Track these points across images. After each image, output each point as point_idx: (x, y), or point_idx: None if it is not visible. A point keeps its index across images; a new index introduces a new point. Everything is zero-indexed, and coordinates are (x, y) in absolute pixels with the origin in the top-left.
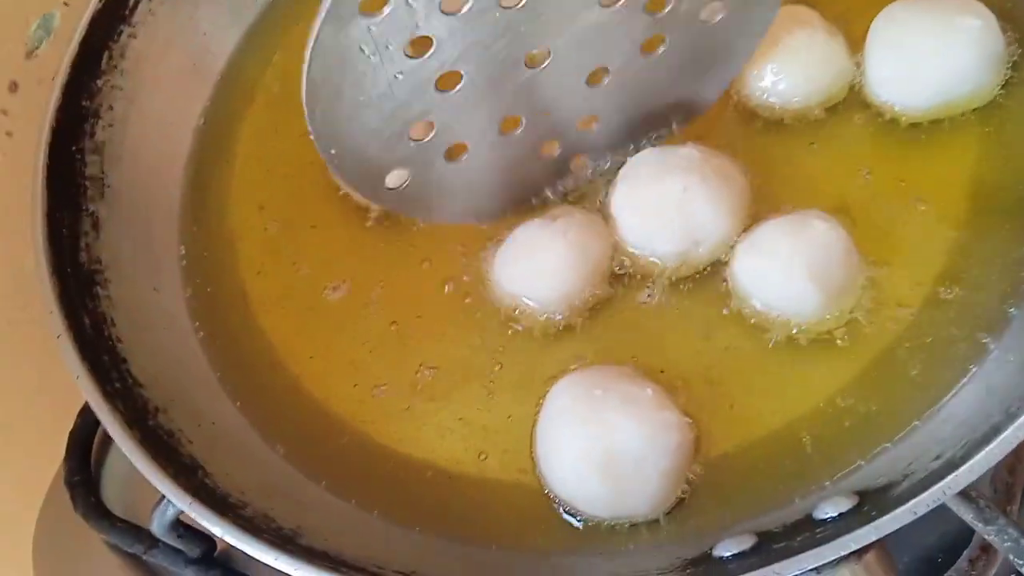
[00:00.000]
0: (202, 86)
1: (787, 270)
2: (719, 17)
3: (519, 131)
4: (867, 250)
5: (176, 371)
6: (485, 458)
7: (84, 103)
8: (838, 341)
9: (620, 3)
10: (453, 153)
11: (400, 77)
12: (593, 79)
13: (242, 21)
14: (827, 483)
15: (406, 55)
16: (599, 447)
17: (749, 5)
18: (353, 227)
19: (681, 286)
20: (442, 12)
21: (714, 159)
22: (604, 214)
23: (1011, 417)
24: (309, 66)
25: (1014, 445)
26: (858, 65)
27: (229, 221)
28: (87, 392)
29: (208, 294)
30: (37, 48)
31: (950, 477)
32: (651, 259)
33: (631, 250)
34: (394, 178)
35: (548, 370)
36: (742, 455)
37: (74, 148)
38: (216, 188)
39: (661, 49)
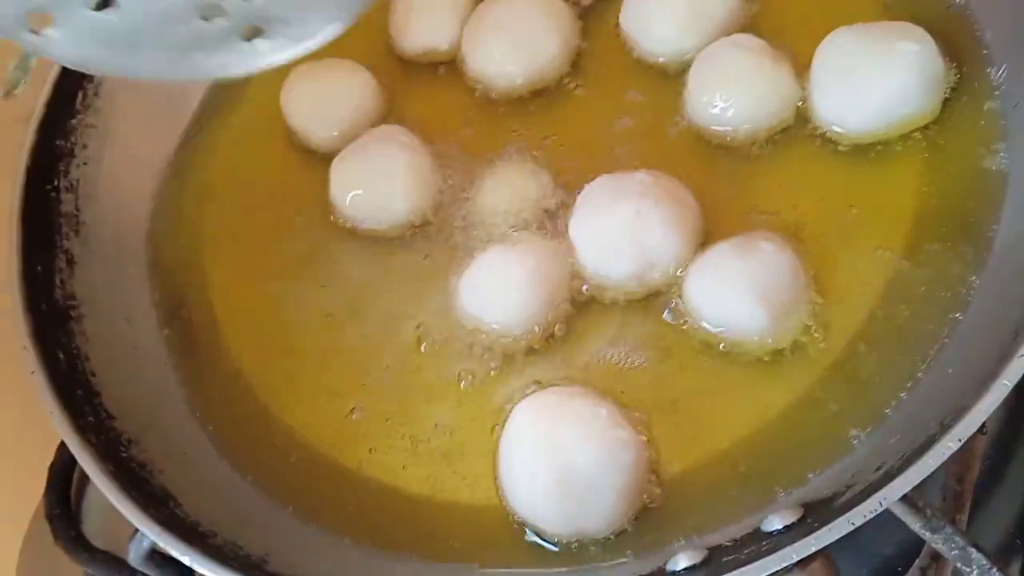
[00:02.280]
0: (176, 121)
1: (736, 292)
2: None
3: None
4: (814, 271)
5: (149, 401)
6: (453, 482)
7: (59, 142)
8: (786, 360)
9: None
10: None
11: None
12: None
13: None
14: (778, 497)
15: None
16: (556, 467)
17: None
18: (324, 258)
19: (638, 307)
20: None
21: (667, 183)
22: (564, 240)
23: (945, 428)
24: None
25: (946, 456)
26: (804, 89)
27: (201, 253)
28: (60, 427)
29: (180, 324)
30: (15, 88)
31: (886, 488)
32: (609, 282)
33: (589, 274)
34: (39, 22)
35: (511, 393)
36: (698, 472)
37: (49, 187)
38: (189, 221)
39: None
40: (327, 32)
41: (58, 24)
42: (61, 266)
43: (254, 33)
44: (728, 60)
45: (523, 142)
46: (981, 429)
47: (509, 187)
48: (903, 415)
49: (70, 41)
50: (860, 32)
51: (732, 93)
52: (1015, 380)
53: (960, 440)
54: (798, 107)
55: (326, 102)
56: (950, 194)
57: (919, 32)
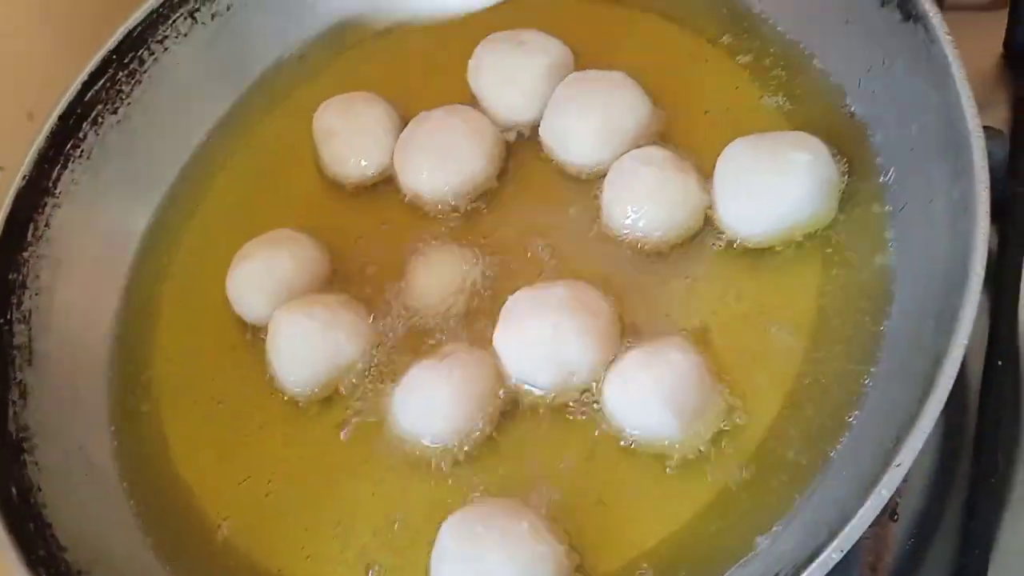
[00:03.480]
0: (126, 246)
1: (645, 400)
2: None
3: None
4: (724, 372)
5: (100, 528)
6: None
7: (11, 275)
8: (702, 460)
9: None
10: None
11: None
12: None
13: (160, 184)
14: None
15: None
16: None
17: None
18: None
19: (562, 413)
20: None
21: (583, 295)
22: (489, 349)
23: (832, 536)
24: None
25: (830, 567)
26: (710, 196)
27: (155, 377)
28: (12, 562)
29: (134, 451)
30: None
31: None
32: (532, 390)
33: (514, 383)
34: None
35: (445, 504)
36: (622, 573)
37: (1, 320)
38: (141, 345)
39: None
40: None
41: None
42: (14, 398)
43: None
44: (637, 173)
45: (451, 251)
46: (892, 516)
47: (438, 288)
48: (801, 520)
49: None
50: (756, 142)
51: (642, 204)
52: (892, 489)
53: (842, 551)
54: (706, 213)
55: (263, 278)
56: (847, 292)
57: (813, 141)
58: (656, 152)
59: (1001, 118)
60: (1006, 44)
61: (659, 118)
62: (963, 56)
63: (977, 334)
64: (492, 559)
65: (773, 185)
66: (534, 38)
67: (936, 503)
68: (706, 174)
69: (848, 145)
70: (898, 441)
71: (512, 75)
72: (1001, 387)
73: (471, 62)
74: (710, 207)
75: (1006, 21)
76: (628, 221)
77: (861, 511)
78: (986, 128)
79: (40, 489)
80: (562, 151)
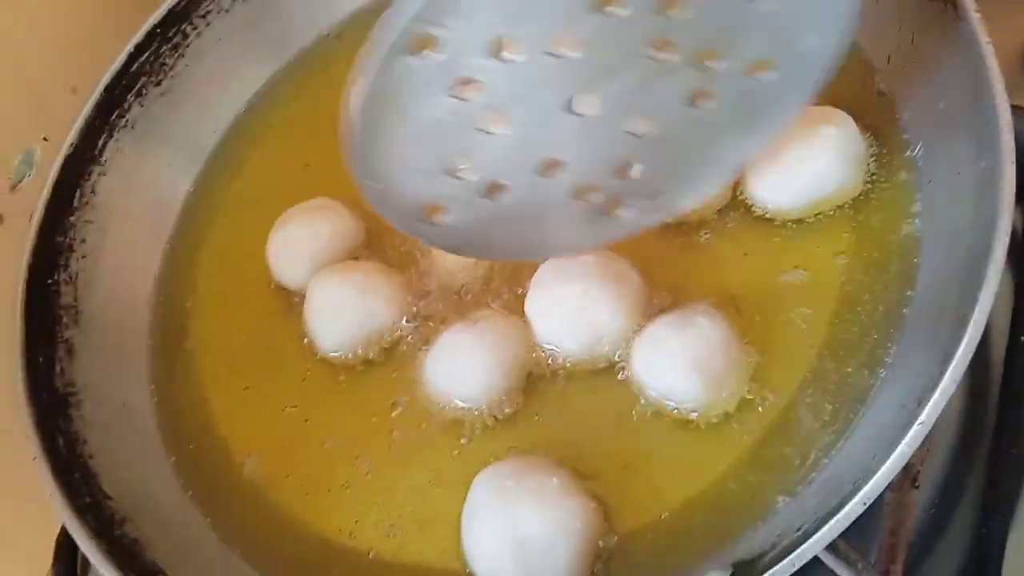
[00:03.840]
0: (168, 213)
1: (674, 364)
2: (767, 73)
3: (559, 174)
4: (750, 339)
5: (143, 481)
6: (425, 549)
7: (59, 239)
8: (727, 424)
9: (671, 57)
10: (492, 191)
11: (444, 116)
12: (635, 128)
13: (201, 154)
14: (717, 555)
15: (452, 96)
16: (511, 536)
17: (797, 63)
18: (309, 354)
19: (590, 377)
20: (489, 56)
21: (611, 263)
22: (521, 316)
23: (855, 491)
24: (356, 102)
25: (854, 518)
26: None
27: (194, 338)
28: (60, 509)
29: (174, 407)
30: (20, 181)
31: (798, 551)
32: (562, 355)
33: (545, 348)
34: (431, 213)
35: (476, 464)
36: (649, 532)
37: (50, 281)
38: (182, 307)
39: (706, 103)
40: (683, 204)
41: (449, 211)
42: (61, 355)
43: (615, 206)
44: None
45: None
46: (913, 483)
47: (465, 263)
48: (824, 479)
49: (457, 226)
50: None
51: None
52: (914, 447)
53: (865, 503)
54: (734, 188)
55: (302, 245)
56: (874, 262)
57: (840, 115)
58: None
59: None
60: None
61: None
62: (993, 37)
63: (1002, 312)
64: (523, 512)
65: (801, 158)
66: None
67: (958, 474)
68: None
69: (876, 120)
70: (921, 402)
71: None
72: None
73: None
74: (738, 183)
75: None
76: None
77: (884, 466)
78: (1013, 107)
79: (86, 442)
80: None
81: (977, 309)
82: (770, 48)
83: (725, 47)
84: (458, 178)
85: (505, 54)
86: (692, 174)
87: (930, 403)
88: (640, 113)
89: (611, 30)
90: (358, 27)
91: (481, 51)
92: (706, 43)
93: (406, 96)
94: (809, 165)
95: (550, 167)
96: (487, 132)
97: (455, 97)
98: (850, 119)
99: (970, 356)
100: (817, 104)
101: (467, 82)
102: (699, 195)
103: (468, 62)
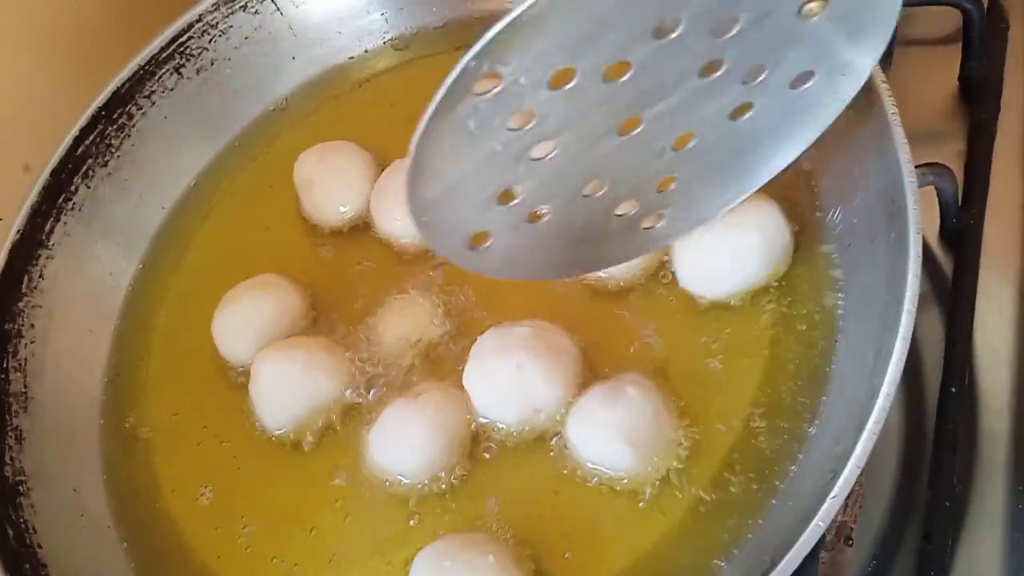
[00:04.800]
0: (115, 294)
1: (605, 436)
2: (809, 84)
3: (600, 193)
4: (681, 407)
5: (94, 567)
6: None
7: (7, 326)
8: (661, 492)
9: (718, 74)
10: (536, 216)
11: (499, 149)
12: (679, 144)
13: (148, 233)
14: None
15: (508, 128)
16: None
17: (839, 73)
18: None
19: (529, 448)
20: (548, 88)
21: (547, 335)
22: (461, 386)
23: (773, 565)
24: (415, 138)
25: None
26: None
27: (144, 420)
28: None
29: (126, 491)
30: None
31: None
32: (500, 426)
33: (483, 419)
34: (478, 242)
35: (419, 537)
36: None
37: None
38: (131, 389)
39: (748, 115)
40: (717, 212)
41: (494, 238)
42: (11, 443)
43: (655, 220)
44: None
45: (425, 292)
46: (847, 541)
47: (410, 331)
48: (751, 547)
49: (498, 254)
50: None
51: None
52: (828, 521)
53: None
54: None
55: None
56: (799, 330)
57: (767, 209)
58: None
59: (957, 150)
60: (961, 77)
61: None
62: (919, 88)
63: (933, 352)
64: None
65: (731, 258)
66: None
67: (895, 527)
68: None
69: (794, 193)
70: (835, 474)
71: None
72: (956, 413)
73: None
74: (666, 255)
75: (960, 55)
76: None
77: (799, 542)
78: (934, 165)
79: (35, 531)
80: None
81: (885, 383)
82: (814, 60)
83: (773, 62)
84: (506, 206)
85: (560, 83)
86: (729, 183)
87: (841, 477)
88: (684, 129)
89: (667, 54)
90: (303, 98)
91: (542, 84)
92: (755, 59)
93: (464, 133)
94: (739, 264)
95: (594, 188)
96: (537, 160)
97: (511, 129)
98: (774, 205)
99: (879, 429)
100: None
101: (523, 115)
102: (733, 202)
103: (528, 95)
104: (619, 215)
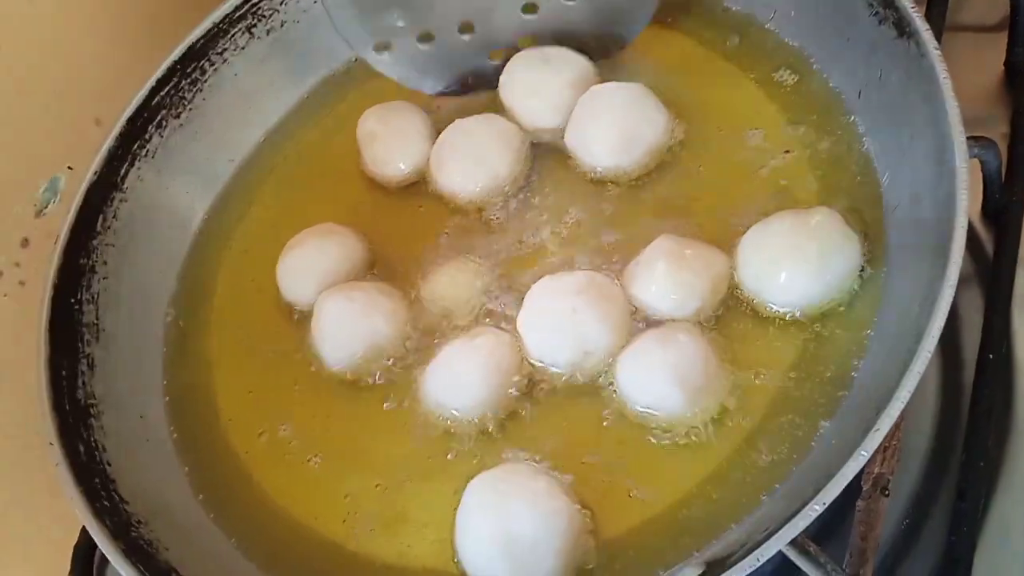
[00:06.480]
0: (184, 236)
1: (655, 377)
2: None
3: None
4: (727, 358)
5: (157, 486)
6: (422, 548)
7: (82, 260)
8: (708, 433)
9: None
10: (424, 39)
11: None
12: (527, 10)
13: (217, 182)
14: (694, 556)
15: None
16: (501, 533)
17: None
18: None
19: (579, 390)
20: None
21: (600, 283)
22: (514, 332)
23: (816, 492)
24: None
25: (812, 519)
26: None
27: (208, 354)
28: (79, 511)
29: (187, 419)
30: (45, 208)
31: (762, 547)
32: (552, 369)
33: (536, 362)
34: (382, 48)
35: (469, 471)
36: (632, 536)
37: (73, 300)
38: (196, 325)
39: None
40: None
41: (395, 48)
42: (83, 370)
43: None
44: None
45: (480, 245)
46: (884, 492)
47: (461, 285)
48: (796, 479)
49: (397, 62)
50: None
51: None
52: (871, 450)
53: (823, 504)
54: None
55: (310, 266)
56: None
57: (850, 245)
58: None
59: (1001, 132)
60: (1006, 62)
61: (676, 127)
62: (965, 73)
63: (973, 329)
64: (513, 511)
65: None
66: (559, 54)
67: (930, 485)
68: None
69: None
70: (878, 411)
71: (538, 88)
72: (993, 378)
73: (502, 77)
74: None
75: (1006, 41)
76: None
77: (843, 470)
78: (979, 138)
79: (105, 450)
80: (586, 156)
81: (932, 326)
82: None
83: None
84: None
85: None
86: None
87: (885, 412)
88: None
89: None
90: (365, 63)
91: None
92: None
93: None
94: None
95: (465, 27)
96: None
97: None
98: (854, 236)
99: (923, 367)
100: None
101: None
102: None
103: None
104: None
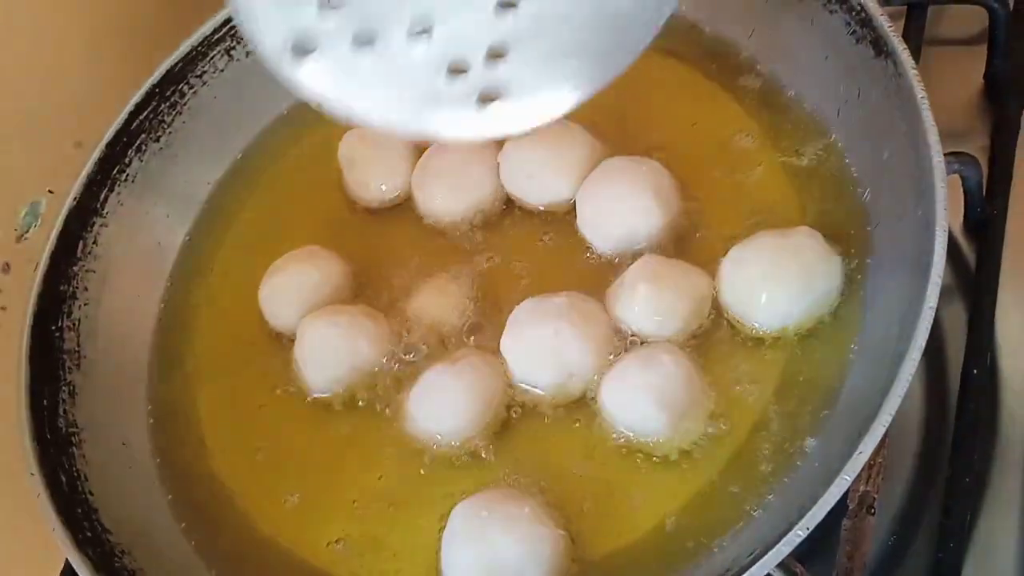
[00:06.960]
0: (165, 261)
1: (639, 399)
2: None
3: (427, 42)
4: (710, 379)
5: (140, 515)
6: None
7: (62, 287)
8: (689, 457)
9: None
10: (361, 42)
11: None
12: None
13: (196, 204)
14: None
15: None
16: (484, 562)
17: None
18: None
19: (563, 412)
20: None
21: (583, 305)
22: (498, 355)
23: (800, 516)
24: None
25: (794, 544)
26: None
27: (190, 379)
28: (62, 543)
29: (171, 446)
30: (27, 233)
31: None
32: (536, 391)
33: (519, 384)
34: (302, 54)
35: (456, 493)
36: (616, 559)
37: (53, 327)
38: (178, 350)
39: None
40: (564, 103)
41: (318, 57)
42: (64, 397)
43: (490, 99)
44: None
45: (463, 267)
46: (869, 511)
47: (448, 303)
48: (777, 506)
49: (323, 74)
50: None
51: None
52: (855, 472)
53: (808, 528)
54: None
55: (292, 290)
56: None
57: (832, 262)
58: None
59: (981, 145)
60: (986, 75)
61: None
62: (946, 86)
63: (957, 344)
64: (496, 539)
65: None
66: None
67: (916, 502)
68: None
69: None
70: (860, 433)
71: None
72: (977, 393)
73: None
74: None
75: (986, 53)
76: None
77: (826, 494)
78: (959, 154)
79: (87, 479)
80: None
81: (912, 347)
82: None
83: None
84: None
85: None
86: (565, 75)
87: (868, 434)
88: None
89: None
90: None
91: None
92: None
93: None
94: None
95: (420, 31)
96: None
97: None
98: (836, 258)
99: (904, 388)
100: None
101: None
102: (570, 99)
103: None
104: (452, 73)
